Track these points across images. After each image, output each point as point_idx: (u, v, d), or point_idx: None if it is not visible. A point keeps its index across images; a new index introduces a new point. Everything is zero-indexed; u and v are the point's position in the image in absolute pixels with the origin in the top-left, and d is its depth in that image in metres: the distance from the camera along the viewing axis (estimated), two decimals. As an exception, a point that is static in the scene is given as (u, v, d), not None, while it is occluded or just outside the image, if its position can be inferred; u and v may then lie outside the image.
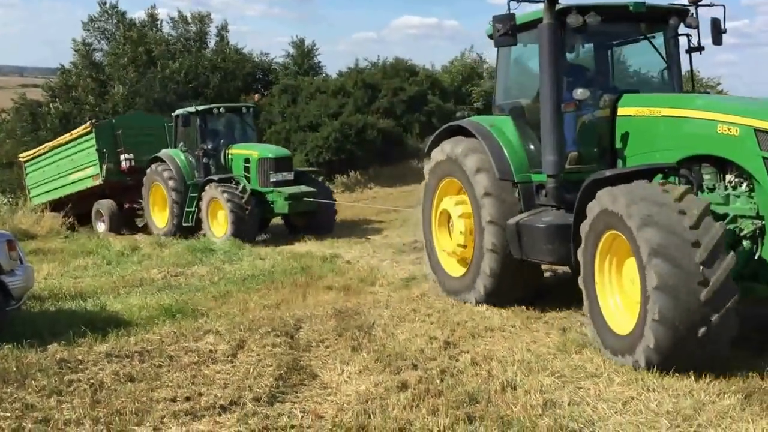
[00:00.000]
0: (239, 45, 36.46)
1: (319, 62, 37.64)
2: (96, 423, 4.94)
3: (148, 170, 17.35)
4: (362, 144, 27.65)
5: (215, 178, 15.86)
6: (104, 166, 18.36)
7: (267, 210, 15.81)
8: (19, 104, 32.74)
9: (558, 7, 7.15)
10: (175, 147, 17.25)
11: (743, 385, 5.41)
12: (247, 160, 16.11)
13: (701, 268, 5.36)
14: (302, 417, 5.05)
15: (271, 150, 16.60)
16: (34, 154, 21.43)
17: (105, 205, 19.03)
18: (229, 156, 16.58)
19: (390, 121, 29.39)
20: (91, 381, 5.78)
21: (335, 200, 17.19)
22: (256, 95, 28.75)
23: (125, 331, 7.53)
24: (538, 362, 6.12)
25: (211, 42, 36.07)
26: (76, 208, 19.76)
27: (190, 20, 35.69)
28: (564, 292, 8.44)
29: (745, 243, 6.07)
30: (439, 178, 8.86)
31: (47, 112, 31.25)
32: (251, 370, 6.03)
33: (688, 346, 5.45)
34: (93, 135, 18.49)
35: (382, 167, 28.08)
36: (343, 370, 6.07)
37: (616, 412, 5.01)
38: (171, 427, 4.91)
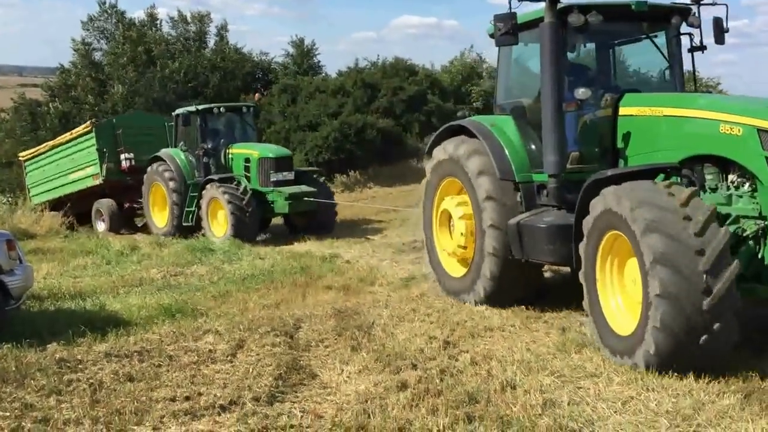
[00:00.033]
0: (239, 44, 36.52)
1: (319, 62, 37.70)
2: (95, 422, 4.94)
3: (148, 170, 17.34)
4: (362, 144, 27.64)
5: (215, 177, 15.84)
6: (104, 166, 18.36)
7: (267, 210, 15.79)
8: (18, 104, 32.74)
9: (559, 6, 7.12)
10: (176, 146, 17.23)
11: (743, 384, 5.42)
12: (247, 160, 16.09)
13: (705, 276, 5.32)
14: (302, 417, 5.05)
15: (271, 150, 16.57)
16: (34, 153, 21.43)
17: (105, 205, 19.03)
18: (230, 155, 16.57)
19: (389, 121, 29.38)
20: (91, 380, 5.78)
21: (335, 200, 17.16)
22: (257, 95, 28.74)
23: (124, 330, 7.52)
24: (537, 362, 6.12)
25: (211, 41, 36.12)
26: (76, 208, 19.78)
27: (189, 20, 35.72)
28: (564, 292, 8.44)
29: (748, 243, 6.02)
30: (440, 177, 8.84)
31: (46, 111, 31.26)
32: (251, 370, 6.02)
33: (688, 353, 5.44)
34: (93, 134, 18.49)
35: (382, 167, 28.07)
36: (342, 370, 6.07)
37: (615, 412, 5.01)
38: (170, 427, 4.90)
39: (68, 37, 50.78)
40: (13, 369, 5.98)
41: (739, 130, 6.00)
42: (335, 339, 7.07)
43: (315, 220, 16.02)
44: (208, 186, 15.85)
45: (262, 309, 8.82)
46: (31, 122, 31.63)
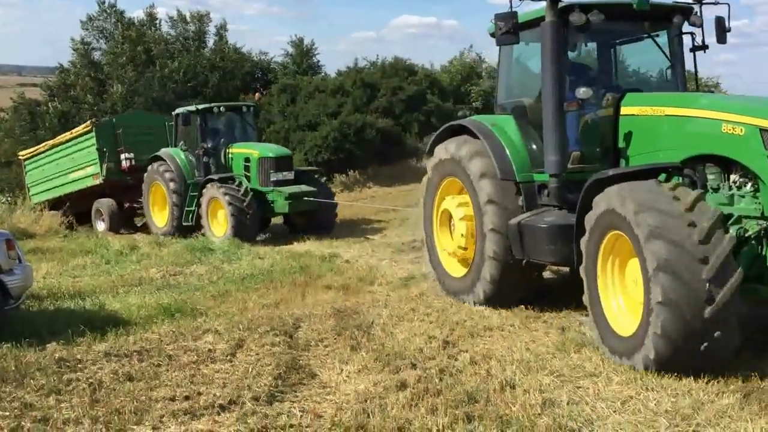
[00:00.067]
0: (238, 44, 36.54)
1: (318, 61, 37.72)
2: (95, 422, 4.94)
3: (148, 169, 17.33)
4: (361, 143, 27.64)
5: (215, 177, 15.82)
6: (104, 166, 18.35)
7: (267, 209, 15.77)
8: (17, 103, 32.74)
9: (561, 4, 7.08)
10: (175, 146, 17.22)
11: (742, 384, 5.42)
12: (247, 160, 16.07)
13: (707, 285, 5.30)
14: (301, 416, 5.05)
15: (271, 149, 16.55)
16: (34, 153, 21.43)
17: (105, 204, 19.02)
18: (230, 155, 16.55)
19: (389, 121, 29.38)
20: (90, 380, 5.78)
21: (334, 197, 17.12)
22: (257, 94, 28.70)
23: (124, 330, 7.52)
24: (537, 361, 6.12)
25: (210, 41, 36.12)
26: (76, 207, 19.79)
27: (188, 19, 35.74)
28: (563, 292, 8.44)
29: (750, 244, 5.95)
30: (441, 176, 8.79)
31: (46, 111, 31.26)
32: (250, 370, 6.03)
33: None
34: (93, 134, 18.48)
35: (381, 166, 28.07)
36: (342, 370, 6.08)
37: (614, 412, 5.01)
38: (170, 427, 4.91)
39: (68, 36, 50.81)
40: (13, 368, 5.97)
41: (741, 129, 5.95)
42: (334, 338, 7.07)
43: (315, 220, 16.00)
44: (208, 186, 15.83)
45: (261, 308, 8.82)
46: (30, 122, 31.63)
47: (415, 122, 30.56)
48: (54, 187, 20.26)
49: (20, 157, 22.54)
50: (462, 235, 8.36)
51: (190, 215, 16.30)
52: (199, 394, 5.47)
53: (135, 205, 18.95)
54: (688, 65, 8.09)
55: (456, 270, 8.77)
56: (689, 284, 5.33)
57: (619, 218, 5.91)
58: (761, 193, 5.98)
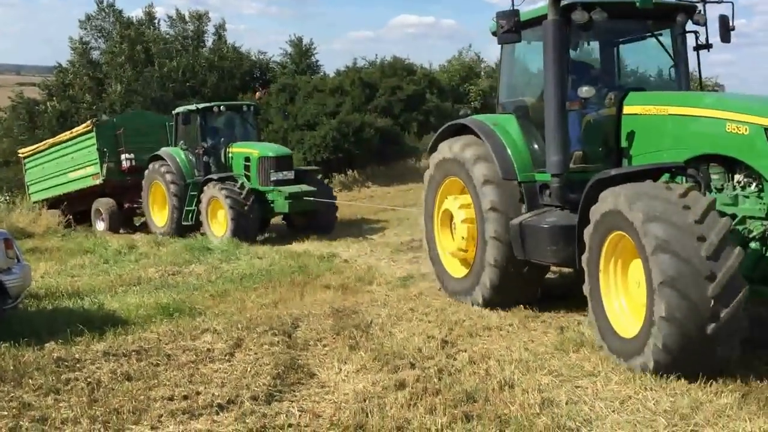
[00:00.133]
0: (237, 44, 36.55)
1: (317, 61, 37.75)
2: (93, 422, 4.94)
3: (148, 169, 17.30)
4: (360, 143, 27.64)
5: (215, 177, 15.78)
6: (105, 166, 18.31)
7: (267, 209, 15.72)
8: (16, 102, 32.73)
9: (563, 3, 7.04)
10: (175, 145, 17.19)
11: (741, 384, 5.42)
12: (247, 159, 16.02)
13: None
14: (300, 416, 5.05)
15: (271, 149, 16.48)
16: (34, 151, 21.40)
17: (104, 204, 18.98)
18: (230, 154, 16.52)
19: (388, 120, 29.39)
20: (89, 380, 5.77)
21: (335, 198, 17.08)
22: (257, 93, 28.65)
23: (123, 329, 7.51)
24: (535, 361, 6.12)
25: (209, 41, 36.14)
26: (75, 206, 19.77)
27: (187, 19, 35.78)
28: (562, 292, 8.45)
29: (754, 245, 5.91)
30: (444, 175, 8.71)
31: (44, 110, 31.26)
32: (249, 369, 6.02)
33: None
34: (93, 134, 18.44)
35: (380, 166, 28.08)
36: (340, 369, 6.07)
37: (613, 411, 5.01)
38: (168, 426, 4.90)
39: (67, 36, 50.79)
40: (11, 368, 5.97)
41: (745, 129, 5.89)
42: (333, 338, 7.07)
43: (315, 220, 15.93)
44: (207, 185, 15.79)
45: (260, 308, 8.82)
46: (28, 121, 31.67)
47: (413, 122, 30.60)
48: (53, 186, 20.24)
49: (20, 155, 22.52)
50: (463, 237, 8.30)
51: (190, 215, 16.27)
52: (198, 393, 5.47)
53: (135, 206, 18.91)
54: (692, 64, 8.05)
55: (456, 270, 8.75)
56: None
57: (625, 222, 5.78)
58: (766, 193, 5.93)
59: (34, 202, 20.79)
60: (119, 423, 4.92)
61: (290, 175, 15.88)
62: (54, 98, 31.98)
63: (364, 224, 17.72)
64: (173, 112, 17.51)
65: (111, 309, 8.85)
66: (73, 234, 18.11)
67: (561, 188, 7.21)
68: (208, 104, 17.42)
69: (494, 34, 7.34)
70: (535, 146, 7.88)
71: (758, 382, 5.48)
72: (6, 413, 5.05)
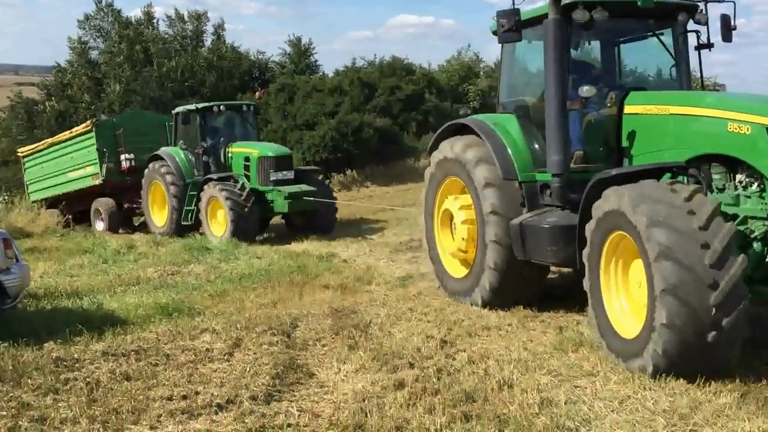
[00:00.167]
0: (235, 43, 36.55)
1: (316, 61, 37.78)
2: (92, 422, 4.93)
3: (148, 168, 17.28)
4: (359, 143, 27.64)
5: (214, 176, 15.76)
6: (104, 166, 18.29)
7: (267, 209, 15.69)
8: (14, 102, 32.72)
9: (564, 2, 7.02)
10: (175, 145, 17.18)
11: (739, 383, 5.42)
12: (247, 159, 16.00)
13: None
14: (299, 416, 5.05)
15: (271, 148, 16.45)
16: (33, 150, 21.40)
17: (104, 204, 18.97)
18: (229, 154, 16.49)
19: (387, 120, 29.39)
20: (88, 379, 5.77)
21: (336, 199, 17.06)
22: (257, 93, 28.62)
23: (121, 329, 7.51)
24: (534, 361, 6.12)
25: (208, 40, 36.14)
26: (74, 206, 19.76)
27: (186, 18, 35.79)
28: (561, 292, 8.46)
29: (756, 245, 5.87)
30: (444, 174, 8.68)
31: (43, 110, 31.25)
32: (248, 369, 6.02)
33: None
34: (93, 134, 18.42)
35: (379, 166, 28.08)
36: (339, 369, 6.07)
37: (612, 411, 5.01)
38: (167, 426, 4.90)
39: (66, 36, 50.81)
40: (10, 368, 5.96)
41: (747, 128, 5.87)
42: (332, 338, 7.07)
43: (315, 220, 15.90)
44: (207, 185, 15.77)
45: (259, 308, 8.82)
46: (27, 121, 31.65)
47: (412, 122, 30.61)
48: (53, 186, 20.23)
49: (19, 154, 22.50)
50: (463, 239, 8.29)
51: (190, 215, 16.25)
52: (197, 393, 5.46)
53: (134, 206, 18.90)
54: (693, 64, 8.03)
55: (456, 270, 8.74)
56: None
57: (628, 224, 5.74)
58: (767, 193, 5.91)
59: (33, 202, 20.77)
60: (118, 423, 4.92)
61: (290, 174, 15.85)
62: (53, 98, 31.98)
63: (363, 224, 17.71)
64: (173, 111, 17.48)
65: (110, 309, 8.85)
66: (71, 234, 18.09)
67: (561, 188, 7.19)
68: (207, 104, 17.39)
69: (495, 33, 7.31)
70: (536, 146, 7.85)
71: (757, 382, 5.48)
72: (5, 413, 5.04)
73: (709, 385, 5.33)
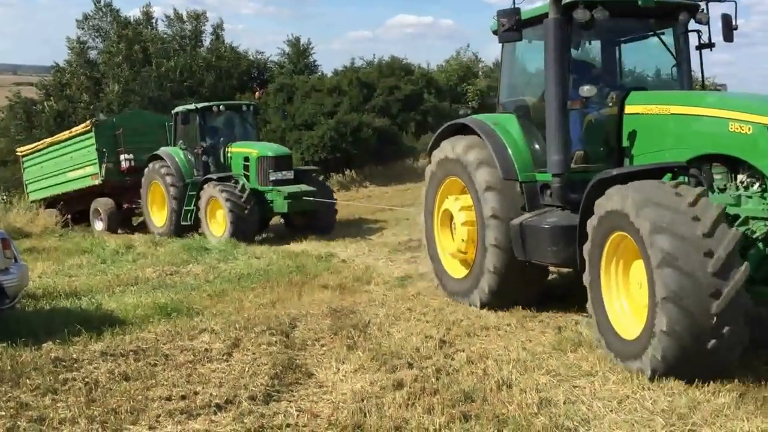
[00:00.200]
0: (234, 43, 36.54)
1: (315, 61, 37.75)
2: (91, 422, 4.93)
3: (147, 168, 17.27)
4: (358, 143, 27.62)
5: (214, 176, 15.74)
6: (104, 166, 18.28)
7: (266, 209, 15.67)
8: (13, 102, 32.69)
9: (565, 1, 7.00)
10: (174, 145, 17.16)
11: (738, 383, 5.41)
12: (246, 159, 15.97)
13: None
14: (298, 416, 5.05)
15: (271, 148, 16.42)
16: (32, 150, 21.38)
17: (103, 204, 18.95)
18: (229, 154, 16.47)
19: (385, 120, 29.37)
20: (86, 380, 5.77)
21: (335, 199, 17.05)
22: (256, 93, 28.60)
23: (120, 329, 7.51)
24: (533, 361, 6.12)
25: (207, 40, 36.11)
26: (73, 206, 19.74)
27: (185, 18, 35.76)
28: (560, 292, 8.46)
29: (757, 245, 5.84)
30: (445, 174, 8.65)
31: (41, 110, 31.22)
32: (246, 369, 6.02)
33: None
34: (93, 134, 18.40)
35: (378, 166, 28.07)
36: (338, 369, 6.08)
37: (611, 411, 5.01)
38: (166, 426, 4.90)
39: (64, 36, 50.82)
40: (9, 368, 5.97)
41: (749, 128, 5.85)
42: (331, 338, 7.07)
43: (315, 220, 15.87)
44: (206, 185, 15.75)
45: (257, 308, 8.81)
46: (26, 121, 31.62)
47: (411, 122, 30.60)
48: (52, 186, 20.21)
49: (18, 154, 22.49)
50: (463, 240, 8.27)
51: (189, 215, 16.23)
52: (196, 393, 5.46)
53: (133, 206, 18.88)
54: (694, 64, 7.99)
55: (455, 270, 8.73)
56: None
57: (631, 227, 5.70)
58: None
59: (32, 202, 20.75)
60: (117, 423, 4.92)
61: (289, 174, 15.83)
62: (51, 98, 31.94)
63: (362, 224, 17.71)
64: (172, 111, 17.45)
65: (108, 309, 8.84)
66: (70, 234, 18.07)
67: (562, 188, 7.17)
68: (207, 104, 17.37)
69: (495, 32, 7.29)
70: (536, 146, 7.84)
71: (756, 382, 5.48)
72: (4, 413, 5.04)
73: (708, 385, 5.34)
